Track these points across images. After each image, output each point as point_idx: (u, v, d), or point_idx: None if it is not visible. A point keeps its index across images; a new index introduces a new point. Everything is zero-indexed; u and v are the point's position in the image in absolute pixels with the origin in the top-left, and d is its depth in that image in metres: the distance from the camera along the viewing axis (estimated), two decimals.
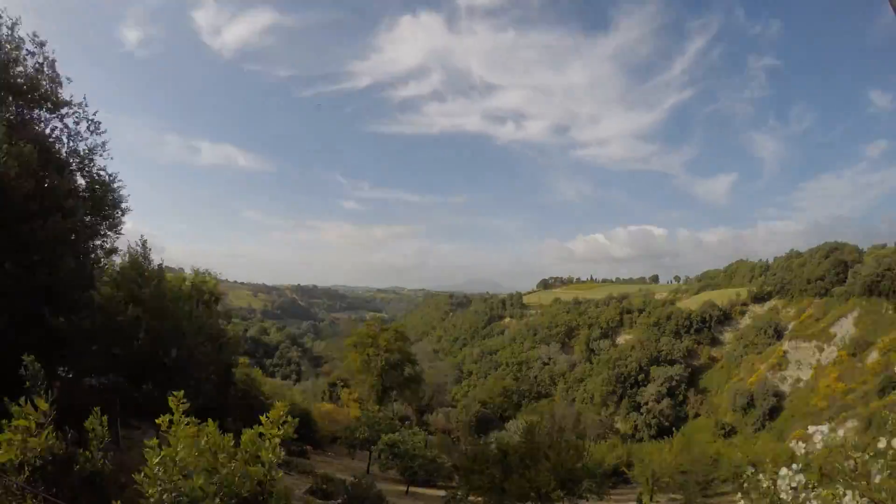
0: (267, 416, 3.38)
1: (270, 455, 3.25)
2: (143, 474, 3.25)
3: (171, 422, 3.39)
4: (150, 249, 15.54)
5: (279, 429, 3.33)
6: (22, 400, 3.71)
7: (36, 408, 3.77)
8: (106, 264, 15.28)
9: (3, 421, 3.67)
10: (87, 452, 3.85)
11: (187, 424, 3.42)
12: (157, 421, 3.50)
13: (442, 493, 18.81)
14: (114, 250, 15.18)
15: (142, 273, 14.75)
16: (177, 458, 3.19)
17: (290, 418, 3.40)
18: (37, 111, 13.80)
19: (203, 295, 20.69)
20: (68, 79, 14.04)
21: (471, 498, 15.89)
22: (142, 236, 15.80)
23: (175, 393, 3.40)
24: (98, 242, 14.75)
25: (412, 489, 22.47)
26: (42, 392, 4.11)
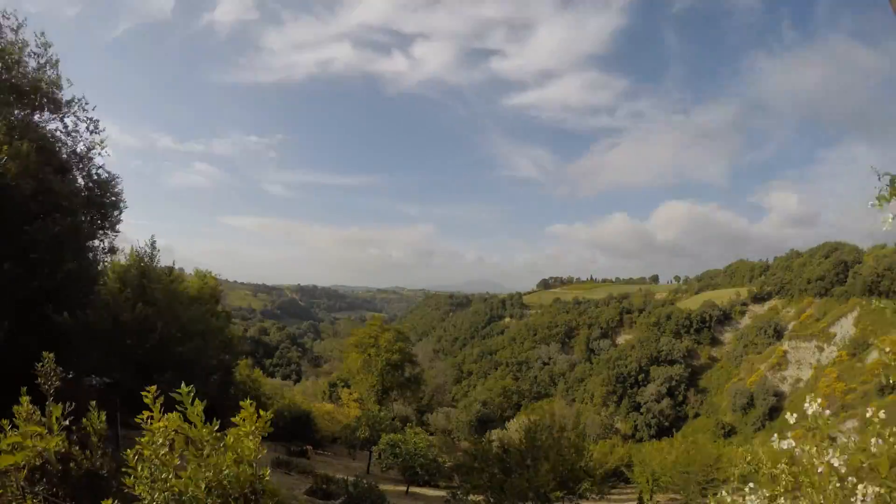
0: (239, 415, 3.32)
1: (251, 454, 3.20)
2: (132, 476, 3.20)
3: (150, 418, 3.34)
4: (158, 250, 15.58)
5: (254, 425, 3.26)
6: (25, 400, 3.70)
7: (44, 411, 3.78)
8: (107, 264, 15.29)
9: (5, 421, 3.67)
10: (87, 451, 3.87)
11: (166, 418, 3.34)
12: (136, 419, 3.45)
13: (442, 493, 18.81)
14: (114, 250, 15.21)
15: (146, 273, 14.78)
16: (159, 454, 3.16)
17: (262, 412, 3.37)
18: (38, 112, 13.84)
19: (205, 294, 20.93)
20: (69, 80, 14.12)
21: (471, 497, 15.87)
22: (152, 236, 15.83)
23: (149, 388, 3.36)
24: (97, 243, 14.76)
25: (412, 489, 22.47)
26: (51, 393, 4.13)
